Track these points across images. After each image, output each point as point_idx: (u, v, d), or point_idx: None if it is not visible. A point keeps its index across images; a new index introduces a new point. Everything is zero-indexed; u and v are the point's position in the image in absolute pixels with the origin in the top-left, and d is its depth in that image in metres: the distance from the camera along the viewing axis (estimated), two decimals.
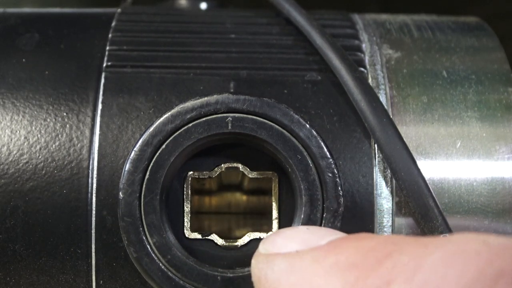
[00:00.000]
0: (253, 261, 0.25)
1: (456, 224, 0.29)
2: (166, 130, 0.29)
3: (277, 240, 0.25)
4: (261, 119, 0.30)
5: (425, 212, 0.28)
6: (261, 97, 0.30)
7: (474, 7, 0.34)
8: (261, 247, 0.26)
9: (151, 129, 0.29)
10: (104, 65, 0.32)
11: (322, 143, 0.29)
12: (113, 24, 0.34)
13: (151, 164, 0.29)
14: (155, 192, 0.29)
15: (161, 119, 0.29)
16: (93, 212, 0.29)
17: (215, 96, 0.30)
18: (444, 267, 0.20)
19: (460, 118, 0.31)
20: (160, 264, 0.29)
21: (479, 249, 0.20)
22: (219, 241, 0.30)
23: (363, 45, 0.34)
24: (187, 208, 0.30)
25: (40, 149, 0.30)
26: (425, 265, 0.20)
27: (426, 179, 0.28)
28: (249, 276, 0.28)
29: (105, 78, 0.31)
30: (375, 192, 0.29)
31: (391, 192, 0.29)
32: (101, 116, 0.30)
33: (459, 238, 0.22)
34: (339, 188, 0.29)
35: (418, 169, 0.28)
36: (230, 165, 0.30)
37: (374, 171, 0.30)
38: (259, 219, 0.32)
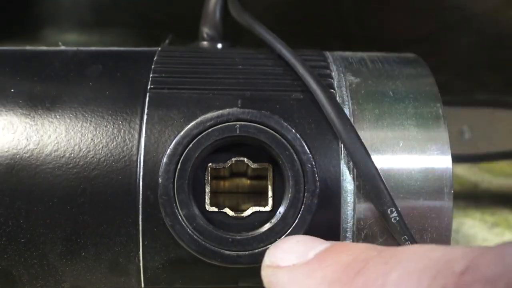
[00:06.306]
0: (263, 272, 0.27)
1: (400, 201, 0.31)
2: (192, 134, 0.31)
3: (277, 253, 0.27)
4: (261, 126, 0.31)
5: (377, 192, 0.30)
6: (260, 110, 0.32)
7: (411, 46, 0.39)
8: (267, 259, 0.27)
9: (182, 133, 0.31)
10: (149, 87, 0.33)
11: (303, 143, 0.31)
12: (155, 58, 0.35)
13: (182, 158, 0.31)
14: (184, 178, 0.31)
15: (189, 125, 0.31)
16: (140, 192, 0.31)
17: (227, 109, 0.32)
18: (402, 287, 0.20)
19: (402, 125, 0.32)
20: (188, 230, 0.30)
21: (426, 264, 0.20)
22: (230, 213, 0.32)
23: (333, 73, 0.35)
24: (207, 189, 0.32)
25: (102, 147, 0.31)
26: (388, 284, 0.20)
27: (378, 168, 0.30)
28: (250, 238, 0.30)
29: (149, 97, 0.33)
30: (341, 177, 0.31)
31: (353, 178, 0.31)
32: (146, 123, 0.32)
33: (412, 253, 0.21)
34: (316, 175, 0.31)
35: (372, 161, 0.30)
36: (238, 159, 0.32)
37: (341, 163, 0.31)
38: (259, 197, 0.33)
